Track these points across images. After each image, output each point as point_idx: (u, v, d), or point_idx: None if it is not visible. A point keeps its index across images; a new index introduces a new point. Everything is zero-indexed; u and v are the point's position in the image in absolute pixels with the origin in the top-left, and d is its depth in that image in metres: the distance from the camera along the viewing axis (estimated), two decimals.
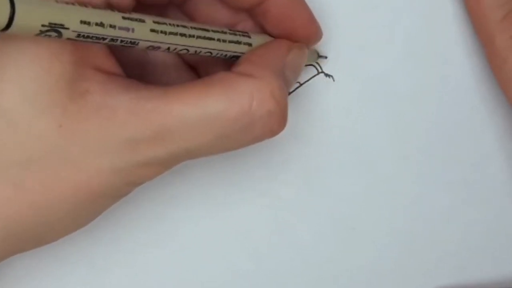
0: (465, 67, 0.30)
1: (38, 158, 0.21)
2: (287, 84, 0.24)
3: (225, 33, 0.24)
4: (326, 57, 0.29)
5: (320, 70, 0.29)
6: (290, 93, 0.30)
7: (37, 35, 0.19)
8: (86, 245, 0.29)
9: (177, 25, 0.23)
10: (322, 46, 0.29)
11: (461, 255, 0.31)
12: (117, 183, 0.22)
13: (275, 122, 0.23)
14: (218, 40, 0.24)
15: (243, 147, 0.23)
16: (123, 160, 0.22)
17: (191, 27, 0.23)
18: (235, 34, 0.25)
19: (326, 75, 0.30)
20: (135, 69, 0.25)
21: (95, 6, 0.21)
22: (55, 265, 0.29)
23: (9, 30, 0.18)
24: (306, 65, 0.29)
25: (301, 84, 0.30)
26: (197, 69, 0.27)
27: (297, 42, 0.26)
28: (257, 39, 0.26)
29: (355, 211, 0.30)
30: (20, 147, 0.21)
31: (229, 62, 0.26)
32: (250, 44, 0.25)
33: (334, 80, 0.30)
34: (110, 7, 0.21)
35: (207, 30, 0.24)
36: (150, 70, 0.26)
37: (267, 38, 0.26)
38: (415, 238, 0.31)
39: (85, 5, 0.20)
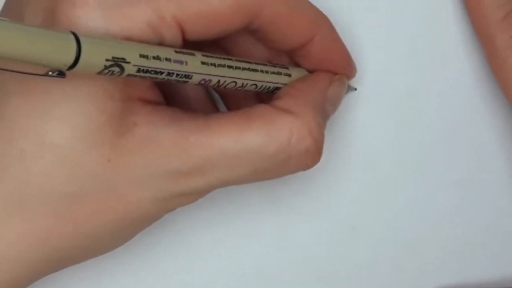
0: (465, 67, 0.30)
1: (86, 191, 0.22)
2: (325, 118, 0.25)
3: (265, 65, 0.25)
4: (355, 89, 0.29)
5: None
6: None
7: (100, 72, 0.19)
8: None
9: (224, 58, 0.23)
10: None
11: (461, 255, 0.31)
12: (155, 212, 0.23)
13: (310, 159, 0.24)
14: (262, 71, 0.24)
15: (276, 178, 0.24)
16: (164, 191, 0.23)
17: (236, 60, 0.24)
18: (275, 66, 0.25)
19: None
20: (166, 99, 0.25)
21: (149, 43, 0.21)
22: None
23: (76, 68, 0.18)
24: None
25: None
26: (225, 100, 0.28)
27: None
28: (295, 72, 0.26)
29: (355, 211, 0.30)
30: (69, 181, 0.22)
31: (258, 94, 0.26)
32: (290, 75, 0.25)
33: None
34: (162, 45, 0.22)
35: (250, 63, 0.24)
36: (178, 101, 0.27)
37: (303, 71, 0.26)
38: (415, 238, 0.31)
39: (141, 42, 0.21)
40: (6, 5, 0.23)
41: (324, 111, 0.25)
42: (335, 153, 0.30)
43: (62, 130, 0.21)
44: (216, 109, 0.28)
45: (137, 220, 0.23)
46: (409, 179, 0.30)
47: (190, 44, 0.23)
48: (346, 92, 0.29)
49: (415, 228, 0.31)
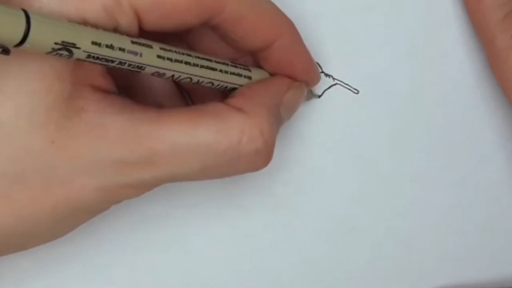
0: (465, 67, 0.30)
1: (28, 173, 0.21)
2: (279, 123, 0.25)
3: (227, 64, 0.25)
4: (319, 97, 0.29)
5: (320, 70, 0.29)
6: None
7: (49, 53, 0.19)
8: (87, 246, 0.29)
9: (183, 53, 0.23)
10: (321, 47, 0.29)
11: (461, 255, 0.31)
12: (99, 201, 0.23)
13: (260, 160, 0.23)
14: (221, 71, 0.24)
15: (225, 177, 0.24)
16: (109, 180, 0.22)
17: (196, 57, 0.23)
18: (236, 67, 0.25)
19: (326, 75, 0.30)
20: (127, 87, 0.25)
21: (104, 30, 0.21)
22: (55, 265, 0.29)
23: (22, 46, 0.18)
24: None
25: None
26: (191, 94, 0.28)
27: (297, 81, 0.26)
28: (256, 74, 0.26)
29: (354, 211, 0.30)
30: (11, 160, 0.21)
31: (224, 92, 0.26)
32: (250, 78, 0.25)
33: (334, 80, 0.30)
34: (118, 33, 0.22)
35: (210, 61, 0.24)
36: (139, 90, 0.27)
37: (266, 74, 0.26)
38: (414, 238, 0.31)
39: (96, 27, 0.20)
40: None
41: (279, 115, 0.25)
42: (335, 153, 0.30)
43: (6, 108, 0.21)
44: (186, 105, 0.28)
45: (80, 209, 0.23)
46: (408, 179, 0.30)
47: (151, 35, 0.23)
48: (308, 99, 0.29)
49: (415, 228, 0.31)
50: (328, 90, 0.30)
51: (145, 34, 0.23)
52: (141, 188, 0.23)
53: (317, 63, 0.29)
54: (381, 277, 0.31)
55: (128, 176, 0.22)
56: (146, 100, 0.26)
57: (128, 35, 0.22)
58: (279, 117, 0.25)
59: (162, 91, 0.27)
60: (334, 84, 0.30)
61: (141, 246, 0.29)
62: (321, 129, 0.30)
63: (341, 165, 0.30)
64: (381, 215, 0.30)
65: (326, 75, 0.30)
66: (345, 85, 0.29)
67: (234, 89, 0.25)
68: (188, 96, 0.28)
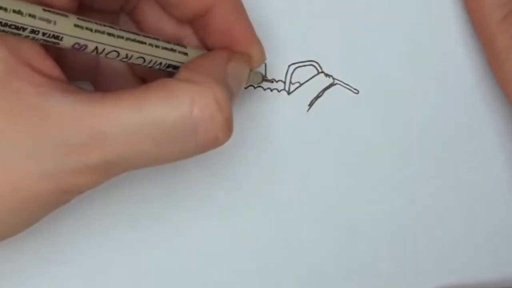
0: (465, 67, 0.30)
1: None
2: (230, 93, 0.23)
3: (158, 40, 0.24)
4: (272, 81, 0.29)
5: (320, 70, 0.29)
6: (290, 93, 0.30)
7: None
8: (87, 246, 0.29)
9: (105, 25, 0.22)
10: (321, 47, 0.29)
11: (461, 255, 0.31)
12: (48, 190, 0.21)
13: (219, 129, 0.22)
14: (150, 45, 0.23)
15: (187, 157, 0.22)
16: (54, 165, 0.21)
17: (119, 29, 0.23)
18: (169, 43, 0.24)
19: (326, 75, 0.30)
20: (83, 76, 0.25)
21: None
22: (55, 265, 0.29)
23: None
24: (251, 86, 0.29)
25: (301, 84, 0.30)
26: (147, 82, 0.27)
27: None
28: (194, 51, 0.25)
29: (355, 211, 0.30)
30: None
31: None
32: (185, 54, 0.25)
33: (334, 80, 0.30)
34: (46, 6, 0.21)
35: (138, 35, 0.23)
36: (99, 79, 0.26)
37: (204, 51, 0.26)
38: (415, 238, 0.31)
39: None
40: None
41: (227, 84, 0.23)
42: (335, 152, 0.30)
43: None
44: None
45: (30, 199, 0.21)
46: (409, 179, 0.30)
47: (98, 16, 0.22)
48: (260, 82, 0.28)
49: (415, 228, 0.31)
50: (328, 90, 0.30)
51: (91, 15, 0.22)
52: (92, 175, 0.22)
53: (317, 63, 0.29)
54: (381, 277, 0.31)
55: (74, 161, 0.21)
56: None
57: (64, 10, 0.21)
58: (228, 87, 0.23)
59: (124, 82, 0.26)
60: (334, 84, 0.30)
61: (141, 246, 0.29)
62: (321, 129, 0.30)
63: (341, 165, 0.30)
64: (381, 215, 0.30)
65: (326, 75, 0.30)
66: (345, 85, 0.29)
67: (170, 67, 0.24)
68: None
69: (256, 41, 0.26)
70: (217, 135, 0.22)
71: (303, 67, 0.29)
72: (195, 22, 0.25)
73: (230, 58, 0.25)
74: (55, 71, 0.22)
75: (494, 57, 0.28)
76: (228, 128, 0.22)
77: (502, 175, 0.31)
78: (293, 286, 0.30)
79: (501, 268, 0.31)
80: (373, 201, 0.30)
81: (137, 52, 0.23)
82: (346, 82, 0.29)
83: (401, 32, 0.30)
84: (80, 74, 0.24)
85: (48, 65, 0.22)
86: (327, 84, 0.30)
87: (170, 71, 0.25)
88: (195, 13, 0.24)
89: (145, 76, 0.27)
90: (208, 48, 0.26)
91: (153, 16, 0.25)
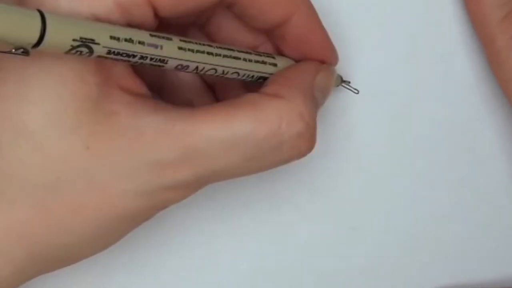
0: (465, 67, 0.30)
1: (64, 180, 0.21)
2: (316, 105, 0.24)
3: (250, 53, 0.24)
4: (349, 82, 0.29)
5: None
6: None
7: (68, 51, 0.19)
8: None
9: (204, 44, 0.23)
10: None
11: (461, 255, 0.31)
12: (141, 207, 0.22)
13: (303, 144, 0.23)
14: (244, 59, 0.24)
15: (270, 168, 0.23)
16: (149, 183, 0.21)
17: (217, 47, 0.23)
18: (260, 55, 0.25)
19: None
20: (154, 89, 0.25)
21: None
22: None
23: (40, 46, 0.18)
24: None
25: None
26: (215, 91, 0.27)
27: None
28: (281, 61, 0.26)
29: (355, 211, 0.30)
30: (46, 169, 0.21)
31: (248, 85, 0.26)
32: (275, 65, 0.25)
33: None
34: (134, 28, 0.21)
35: (233, 50, 0.24)
36: (169, 90, 0.26)
37: (290, 61, 0.26)
38: (415, 238, 0.31)
39: (109, 23, 0.20)
40: None
41: (314, 98, 0.24)
42: (335, 152, 0.30)
43: (36, 116, 0.20)
44: (216, 102, 0.27)
45: (124, 217, 0.22)
46: (409, 179, 0.30)
47: (171, 28, 0.22)
48: (337, 85, 0.29)
49: (415, 228, 0.31)
50: None
51: (164, 28, 0.22)
52: (184, 190, 0.22)
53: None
54: (381, 277, 0.31)
55: (168, 178, 0.21)
56: (177, 100, 0.26)
57: (145, 28, 0.21)
58: (315, 100, 0.24)
59: (192, 89, 0.26)
60: None
61: (141, 246, 0.29)
62: (321, 129, 0.30)
63: (341, 165, 0.30)
64: (381, 215, 0.30)
65: None
66: (345, 85, 0.29)
67: (260, 79, 0.25)
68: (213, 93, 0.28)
69: (333, 48, 0.26)
70: (301, 150, 0.23)
71: None
72: (272, 31, 0.25)
73: (318, 70, 0.25)
74: (142, 88, 0.23)
75: (494, 57, 0.28)
76: (311, 143, 0.23)
77: (502, 175, 0.31)
78: (293, 286, 0.30)
79: (501, 268, 0.31)
80: (373, 201, 0.30)
81: (233, 67, 0.24)
82: (346, 82, 0.29)
83: (401, 32, 0.30)
84: (151, 84, 0.25)
85: (136, 83, 0.22)
86: None
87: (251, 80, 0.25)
88: (274, 23, 0.24)
89: (213, 82, 0.27)
90: (281, 54, 0.26)
91: (227, 27, 0.26)
